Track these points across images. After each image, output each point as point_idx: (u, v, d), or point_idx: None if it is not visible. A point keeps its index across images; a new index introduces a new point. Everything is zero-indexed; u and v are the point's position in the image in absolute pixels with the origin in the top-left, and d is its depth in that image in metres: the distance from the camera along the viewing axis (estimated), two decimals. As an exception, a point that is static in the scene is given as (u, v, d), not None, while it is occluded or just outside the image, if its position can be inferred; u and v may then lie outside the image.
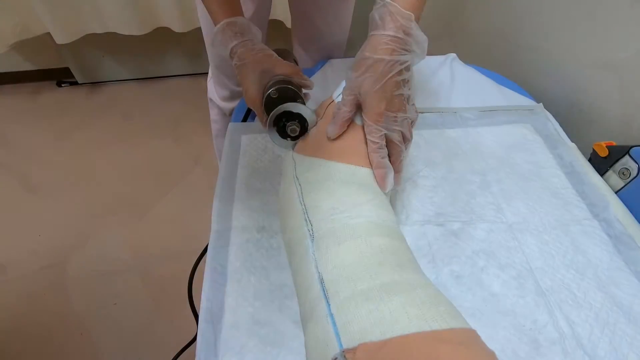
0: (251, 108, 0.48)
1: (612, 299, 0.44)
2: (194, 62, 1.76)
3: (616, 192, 0.56)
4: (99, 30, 1.43)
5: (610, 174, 0.58)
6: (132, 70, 1.75)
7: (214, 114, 1.00)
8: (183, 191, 1.37)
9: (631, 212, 0.54)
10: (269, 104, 0.45)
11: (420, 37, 0.41)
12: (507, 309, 0.44)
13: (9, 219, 1.29)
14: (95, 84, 1.76)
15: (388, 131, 0.42)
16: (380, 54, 0.39)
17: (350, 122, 0.44)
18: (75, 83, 1.74)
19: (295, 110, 0.45)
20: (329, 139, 0.44)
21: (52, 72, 1.73)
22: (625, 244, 0.50)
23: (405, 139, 0.44)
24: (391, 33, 0.39)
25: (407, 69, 0.41)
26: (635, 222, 0.53)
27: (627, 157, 0.55)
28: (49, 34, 1.40)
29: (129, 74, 1.76)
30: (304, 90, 0.48)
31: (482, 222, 0.52)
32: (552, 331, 0.42)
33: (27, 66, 1.70)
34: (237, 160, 0.59)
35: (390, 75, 0.40)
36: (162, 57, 1.72)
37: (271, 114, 0.44)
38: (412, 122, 0.44)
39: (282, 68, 0.46)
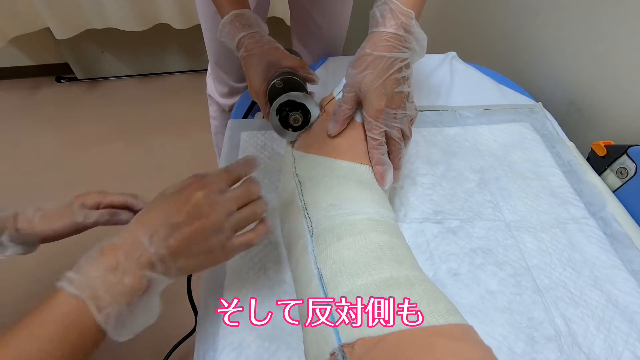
0: (254, 99, 0.48)
1: (608, 297, 0.45)
2: (193, 59, 1.76)
3: (614, 191, 0.56)
4: (99, 25, 1.43)
5: (608, 173, 0.58)
6: (131, 66, 1.75)
7: (212, 111, 1.00)
8: (182, 188, 1.37)
9: (628, 211, 0.54)
10: (273, 94, 0.45)
11: (420, 35, 0.41)
12: (504, 306, 0.44)
13: (8, 215, 1.29)
14: (94, 80, 1.76)
15: (388, 128, 0.42)
16: (381, 50, 0.40)
17: (350, 119, 0.44)
18: (74, 79, 1.74)
19: (299, 101, 0.45)
20: (329, 136, 0.44)
21: (52, 68, 1.73)
22: (621, 242, 0.50)
23: (405, 137, 0.44)
24: (391, 30, 0.40)
25: (407, 66, 0.42)
26: (632, 221, 0.53)
27: (625, 156, 0.55)
28: (48, 29, 1.39)
29: (128, 70, 1.76)
30: (308, 87, 0.48)
31: (480, 220, 0.52)
32: (548, 328, 0.42)
33: (26, 61, 1.69)
34: (236, 157, 0.60)
35: (390, 72, 0.40)
36: (161, 53, 1.72)
37: (275, 101, 0.44)
38: (411, 120, 0.44)
39: (289, 61, 0.46)
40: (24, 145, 1.51)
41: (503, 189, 0.56)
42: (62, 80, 1.75)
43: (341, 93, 0.44)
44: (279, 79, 0.44)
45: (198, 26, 1.54)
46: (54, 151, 1.49)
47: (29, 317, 0.27)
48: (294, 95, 0.44)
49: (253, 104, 0.73)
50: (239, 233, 0.33)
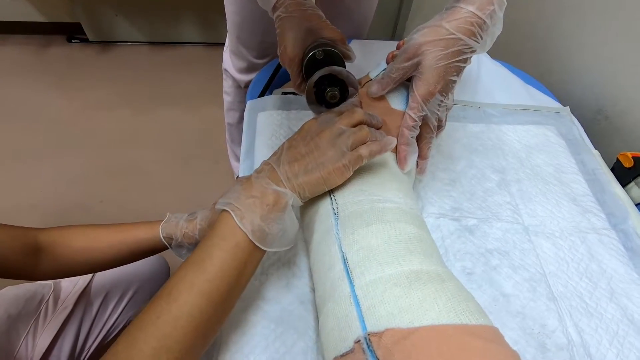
0: (285, 66, 0.45)
1: (624, 312, 0.44)
2: (209, 31, 1.72)
3: (637, 205, 0.55)
4: (115, -14, 1.39)
5: (632, 185, 0.56)
6: (145, 33, 1.71)
7: (227, 86, 0.97)
8: (187, 161, 1.35)
9: (650, 226, 0.53)
10: (312, 65, 0.42)
11: (499, 29, 0.38)
12: (517, 311, 0.43)
13: (11, 172, 1.28)
14: (106, 43, 1.72)
15: (429, 113, 0.40)
16: (461, 32, 0.36)
17: (394, 87, 0.42)
18: (86, 40, 1.70)
19: (340, 76, 0.41)
20: (371, 96, 0.42)
21: (63, 27, 1.69)
22: (641, 257, 0.49)
23: (439, 127, 0.42)
24: (482, 14, 0.36)
25: (470, 58, 0.39)
26: (654, 237, 0.52)
27: (652, 170, 0.53)
28: (63, -15, 1.36)
29: (141, 37, 1.72)
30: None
31: (498, 221, 0.50)
32: (560, 337, 0.41)
33: (38, 17, 1.66)
34: (254, 138, 0.58)
35: (458, 58, 0.37)
36: (176, 22, 1.68)
37: (316, 73, 0.41)
38: (448, 110, 0.42)
39: (330, 32, 0.43)
40: (31, 102, 1.49)
41: (523, 191, 0.54)
42: (73, 41, 1.71)
43: (379, 74, 0.42)
44: (319, 49, 0.41)
45: (217, -2, 1.48)
46: (59, 111, 1.47)
47: (207, 242, 0.33)
48: (337, 70, 0.41)
49: (271, 80, 0.70)
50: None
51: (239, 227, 0.32)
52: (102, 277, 0.66)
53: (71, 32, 1.71)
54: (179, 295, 0.30)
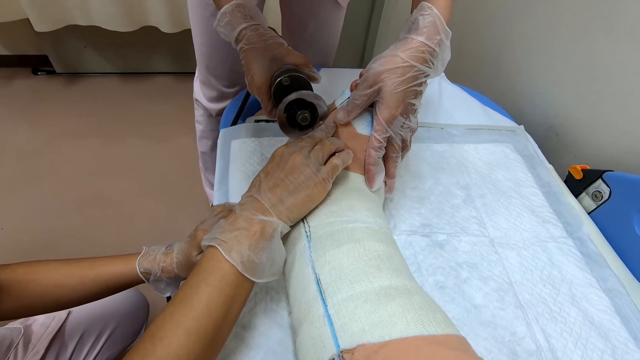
0: (255, 94, 0.46)
1: (584, 314, 0.46)
2: (179, 62, 1.74)
3: (589, 213, 0.59)
4: (82, 22, 1.39)
5: (583, 196, 0.61)
6: (114, 64, 1.70)
7: (198, 115, 0.98)
8: (160, 191, 1.33)
9: (602, 232, 0.57)
10: (280, 91, 0.44)
11: (447, 55, 0.42)
12: (488, 320, 0.45)
13: (-31, 210, 1.22)
14: (74, 74, 1.70)
15: (393, 134, 0.43)
16: (413, 60, 0.40)
17: (359, 113, 0.45)
18: (52, 72, 1.67)
19: (309, 100, 0.43)
20: (338, 123, 0.45)
21: (29, 59, 1.66)
22: (596, 262, 0.52)
23: (405, 147, 0.45)
24: (430, 43, 0.40)
25: (426, 82, 0.43)
26: (606, 242, 0.56)
27: (600, 180, 0.58)
28: (28, 19, 1.34)
29: (111, 68, 1.71)
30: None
31: (466, 235, 0.53)
32: (529, 343, 0.43)
33: (2, 50, 1.62)
34: (227, 166, 0.59)
35: (414, 83, 0.41)
36: (147, 54, 1.69)
37: (285, 98, 0.43)
38: (412, 132, 0.45)
39: (293, 57, 0.45)
40: (-7, 136, 1.44)
41: (487, 205, 0.57)
42: (39, 73, 1.68)
43: (344, 102, 0.44)
44: (285, 75, 0.43)
45: (186, 31, 1.53)
46: (23, 143, 1.43)
47: (193, 278, 0.32)
48: (305, 94, 0.43)
49: (242, 109, 0.72)
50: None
51: (226, 259, 0.31)
52: (77, 316, 0.63)
53: (37, 65, 1.68)
54: (164, 335, 0.28)
